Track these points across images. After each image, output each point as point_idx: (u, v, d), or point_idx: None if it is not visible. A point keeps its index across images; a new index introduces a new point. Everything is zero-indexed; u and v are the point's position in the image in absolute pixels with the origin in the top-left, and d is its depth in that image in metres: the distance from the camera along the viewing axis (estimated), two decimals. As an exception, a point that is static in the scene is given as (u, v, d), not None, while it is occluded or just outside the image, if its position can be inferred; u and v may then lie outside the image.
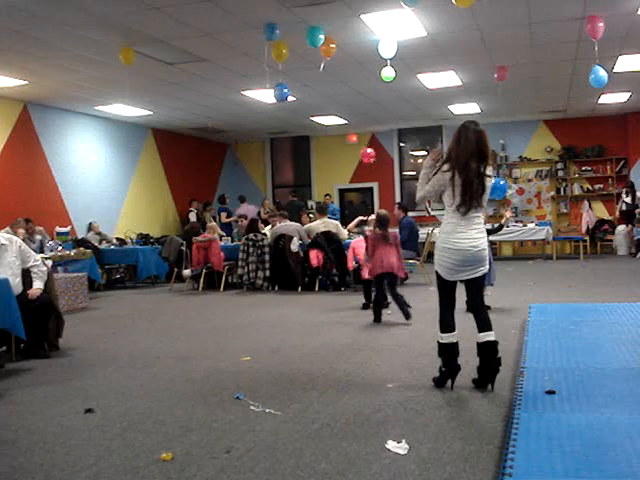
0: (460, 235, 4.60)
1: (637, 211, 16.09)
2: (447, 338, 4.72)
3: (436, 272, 4.81)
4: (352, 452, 3.56)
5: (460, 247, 4.60)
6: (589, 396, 4.22)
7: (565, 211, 18.29)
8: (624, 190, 16.54)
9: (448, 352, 4.72)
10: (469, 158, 4.53)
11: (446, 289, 4.80)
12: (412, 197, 19.24)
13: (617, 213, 17.04)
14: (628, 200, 16.06)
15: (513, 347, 6.02)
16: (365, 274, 8.54)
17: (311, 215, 14.50)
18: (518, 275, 13.09)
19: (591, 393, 4.29)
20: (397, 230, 10.62)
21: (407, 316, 7.84)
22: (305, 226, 12.15)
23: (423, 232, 13.93)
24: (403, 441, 3.65)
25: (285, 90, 9.65)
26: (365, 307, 8.88)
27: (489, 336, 4.64)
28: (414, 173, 19.40)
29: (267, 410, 4.38)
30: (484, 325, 4.70)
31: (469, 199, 4.56)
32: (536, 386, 4.46)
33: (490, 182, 4.67)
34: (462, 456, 3.43)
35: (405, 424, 3.99)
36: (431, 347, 6.18)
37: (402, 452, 3.52)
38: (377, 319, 7.97)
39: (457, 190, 4.55)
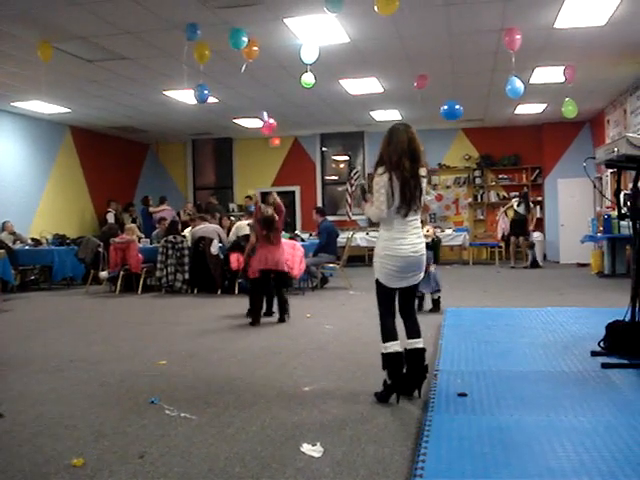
0: (401, 241, 4.52)
1: (531, 229, 16.40)
2: (392, 347, 4.52)
3: (377, 280, 4.65)
4: (267, 456, 3.56)
5: (402, 253, 4.50)
6: (499, 398, 4.33)
7: (482, 218, 18.74)
8: (516, 200, 16.68)
9: (394, 362, 4.51)
10: (402, 157, 4.47)
11: (387, 297, 4.66)
12: (333, 201, 19.39)
13: (504, 223, 16.90)
14: (520, 210, 16.27)
15: (428, 350, 6.10)
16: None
17: (232, 218, 14.41)
18: (436, 280, 13.32)
19: (502, 395, 4.40)
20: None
21: (281, 319, 8.21)
22: (235, 224, 12.05)
23: (343, 236, 14.01)
24: (318, 444, 3.67)
25: (205, 91, 9.60)
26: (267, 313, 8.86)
27: (418, 343, 4.62)
28: (336, 178, 19.56)
29: (182, 414, 4.34)
30: (414, 332, 4.67)
31: (408, 200, 4.49)
32: (449, 389, 4.56)
33: (425, 183, 4.63)
34: (376, 459, 3.47)
35: (320, 427, 4.01)
36: (348, 350, 6.29)
37: (317, 455, 3.54)
38: (255, 321, 8.06)
39: (396, 191, 4.47)
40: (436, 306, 8.57)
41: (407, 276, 4.58)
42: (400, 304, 4.77)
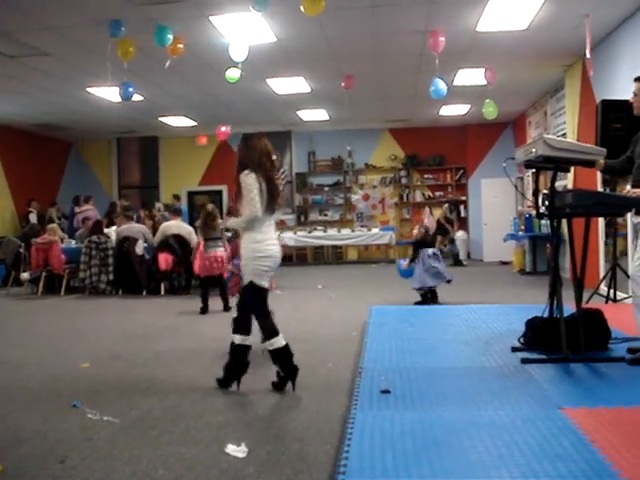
0: (269, 241, 4.84)
1: (455, 228, 16.75)
2: (246, 340, 4.83)
3: (252, 282, 4.83)
4: (191, 457, 3.54)
5: (272, 253, 4.83)
6: (422, 395, 4.40)
7: (407, 217, 18.98)
8: (447, 205, 17.07)
9: (242, 354, 4.83)
10: (262, 158, 4.82)
11: (262, 297, 4.92)
12: (261, 201, 19.29)
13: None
14: (452, 216, 16.75)
15: (354, 348, 6.18)
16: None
17: (165, 214, 14.21)
18: (362, 278, 13.47)
19: (424, 392, 4.48)
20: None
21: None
22: (161, 226, 11.91)
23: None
24: (242, 444, 3.67)
25: (130, 89, 9.47)
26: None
27: (282, 341, 4.87)
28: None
29: (105, 418, 4.28)
30: (274, 330, 4.93)
31: (273, 201, 4.83)
32: (372, 386, 4.60)
33: (281, 186, 5.02)
34: (300, 457, 3.50)
35: (245, 427, 4.02)
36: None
37: (241, 455, 3.54)
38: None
39: (263, 191, 4.75)
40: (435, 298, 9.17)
41: (270, 274, 4.93)
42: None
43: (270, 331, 4.83)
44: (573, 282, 5.48)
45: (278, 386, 4.84)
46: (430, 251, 9.06)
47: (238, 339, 4.81)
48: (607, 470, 3.04)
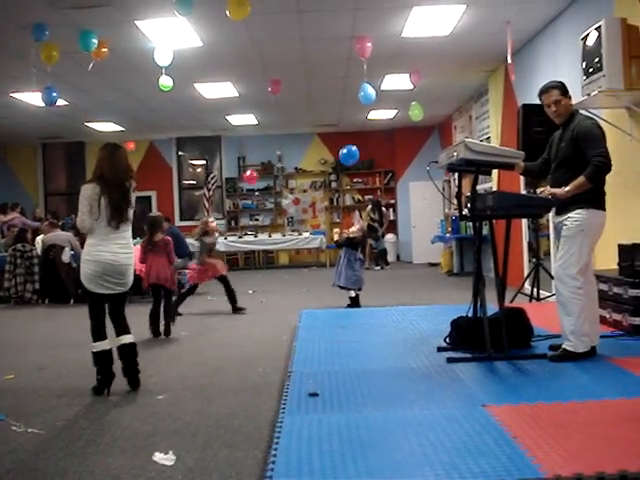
0: (101, 248, 4.95)
1: (384, 229, 16.97)
2: (100, 346, 4.99)
3: (83, 285, 5.05)
4: (117, 467, 3.50)
5: (100, 259, 4.94)
6: (349, 396, 4.44)
7: (338, 220, 19.10)
8: (370, 207, 17.11)
9: (103, 359, 4.99)
10: (120, 174, 5.09)
11: (93, 300, 5.07)
12: (191, 205, 19.21)
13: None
14: (376, 217, 16.83)
15: (284, 352, 6.20)
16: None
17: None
18: (293, 282, 13.51)
19: (351, 393, 4.52)
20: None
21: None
22: None
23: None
24: (170, 452, 3.65)
25: (54, 94, 9.29)
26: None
27: (127, 339, 5.13)
28: (194, 182, 19.40)
29: (30, 429, 4.19)
30: (122, 330, 5.15)
31: (120, 213, 5.03)
32: (301, 389, 4.61)
33: (134, 198, 5.23)
34: (229, 463, 3.49)
35: (174, 435, 3.99)
36: (203, 356, 6.30)
37: (169, 463, 3.52)
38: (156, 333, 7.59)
39: (108, 205, 4.94)
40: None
41: (108, 284, 5.01)
42: (109, 310, 5.19)
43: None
44: (495, 282, 5.61)
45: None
46: (359, 254, 9.11)
47: (92, 346, 5.01)
48: (528, 464, 3.12)
